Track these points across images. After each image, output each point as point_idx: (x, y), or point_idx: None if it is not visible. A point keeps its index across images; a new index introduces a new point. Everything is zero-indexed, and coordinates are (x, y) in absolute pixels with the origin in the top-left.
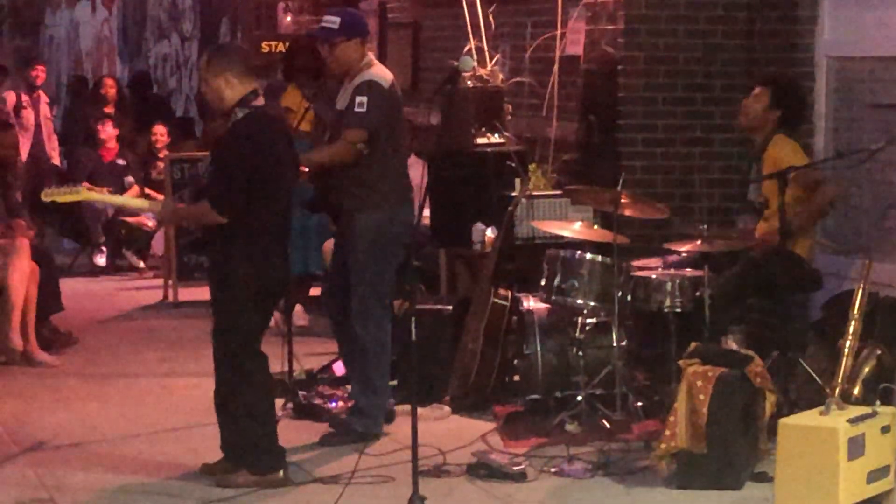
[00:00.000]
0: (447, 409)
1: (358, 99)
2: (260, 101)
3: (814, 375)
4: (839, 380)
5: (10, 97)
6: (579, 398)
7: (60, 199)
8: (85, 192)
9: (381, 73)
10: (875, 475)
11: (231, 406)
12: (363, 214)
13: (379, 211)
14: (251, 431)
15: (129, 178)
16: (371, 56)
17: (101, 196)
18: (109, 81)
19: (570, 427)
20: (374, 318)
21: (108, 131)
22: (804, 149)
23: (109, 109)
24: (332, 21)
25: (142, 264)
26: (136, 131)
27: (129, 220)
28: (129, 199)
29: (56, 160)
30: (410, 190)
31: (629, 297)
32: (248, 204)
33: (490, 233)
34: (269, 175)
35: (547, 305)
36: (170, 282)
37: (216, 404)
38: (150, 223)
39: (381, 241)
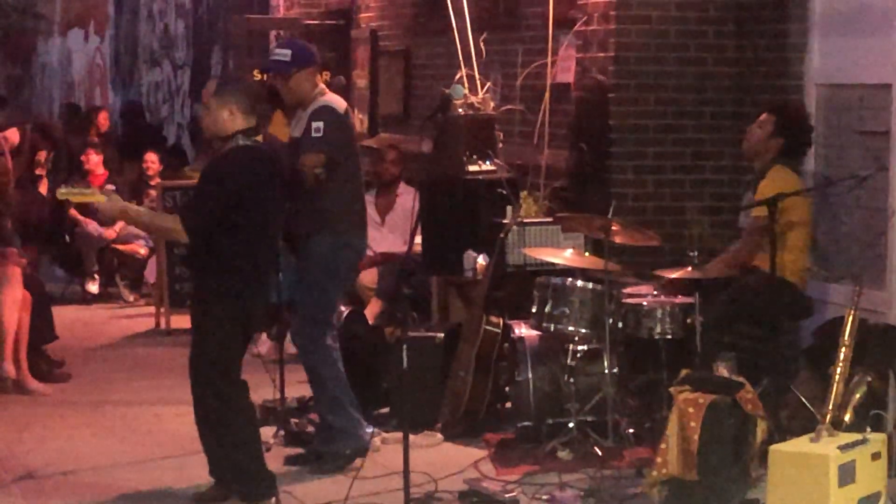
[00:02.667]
0: (439, 436)
1: (314, 125)
2: (258, 138)
3: (805, 402)
4: (830, 406)
5: (13, 136)
6: (571, 425)
7: (74, 198)
8: (97, 195)
9: (335, 101)
10: (866, 502)
11: (213, 432)
12: (315, 237)
13: (331, 235)
14: (237, 459)
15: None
16: (322, 85)
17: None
18: (104, 114)
19: (562, 454)
20: (312, 339)
21: (91, 160)
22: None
23: (94, 137)
24: (284, 53)
25: (132, 298)
26: (127, 159)
27: (122, 248)
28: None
29: (43, 189)
30: (364, 217)
31: (620, 324)
32: (228, 233)
33: (481, 260)
34: (252, 208)
35: (538, 332)
36: (162, 309)
37: (199, 431)
38: (143, 251)
39: (330, 265)
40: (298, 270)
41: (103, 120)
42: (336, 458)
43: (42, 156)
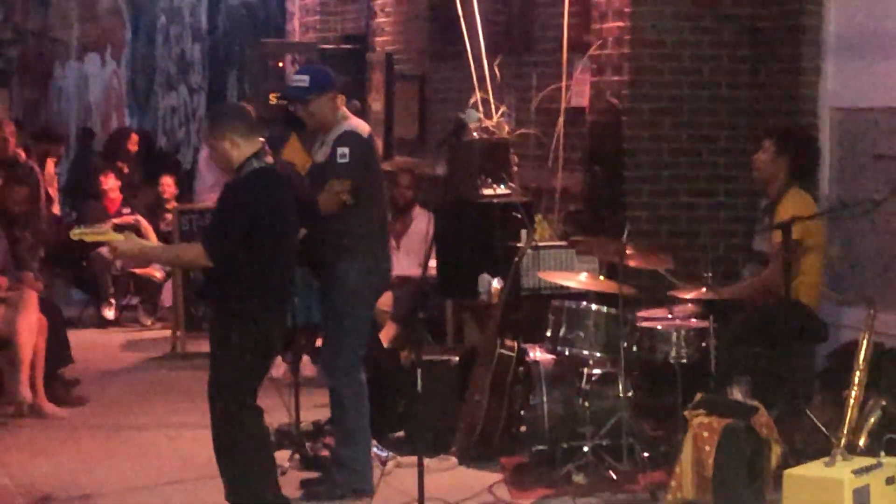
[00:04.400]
0: (454, 459)
1: (340, 150)
2: (269, 159)
3: (819, 426)
4: (844, 430)
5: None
6: (586, 449)
7: (88, 238)
8: (111, 234)
9: (359, 126)
10: None
11: (229, 457)
12: (342, 264)
13: (358, 261)
14: (252, 483)
15: (136, 218)
16: (345, 109)
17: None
18: (134, 138)
19: (577, 478)
20: (345, 369)
21: (109, 182)
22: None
23: (122, 163)
24: (302, 79)
25: (148, 322)
26: (142, 184)
27: (138, 272)
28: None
29: (56, 209)
30: (388, 241)
31: (635, 348)
32: (247, 258)
33: (496, 283)
34: (270, 232)
35: (553, 356)
36: (178, 333)
37: (216, 454)
38: (159, 275)
39: (359, 290)
40: (323, 297)
41: (132, 145)
42: (332, 488)
43: (51, 166)
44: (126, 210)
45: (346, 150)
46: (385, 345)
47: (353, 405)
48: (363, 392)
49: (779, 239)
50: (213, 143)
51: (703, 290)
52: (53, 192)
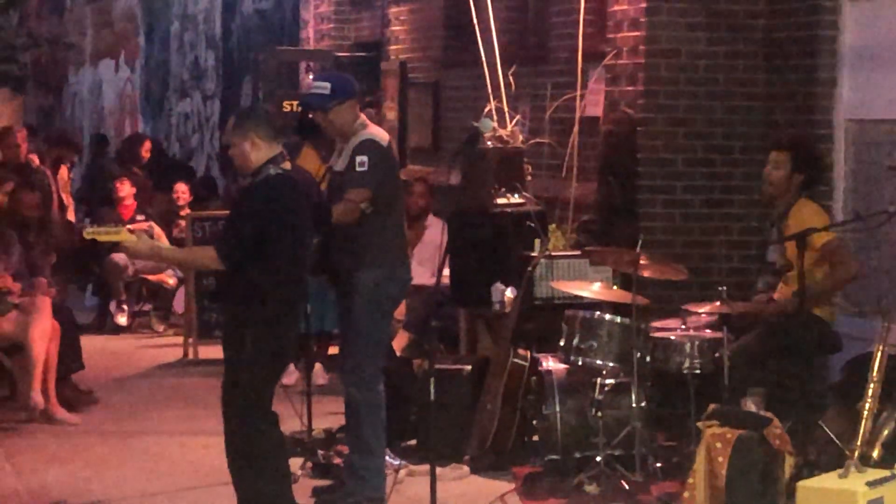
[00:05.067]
0: (466, 469)
1: (359, 159)
2: (287, 165)
3: (833, 438)
4: (858, 442)
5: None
6: (598, 459)
7: (101, 237)
8: (125, 234)
9: (379, 133)
10: None
11: (243, 464)
12: (362, 272)
13: (377, 269)
14: (266, 490)
15: (150, 224)
16: (364, 117)
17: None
18: (147, 144)
19: (589, 488)
20: (365, 378)
21: (125, 189)
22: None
23: (137, 169)
24: (323, 87)
25: (161, 328)
26: (155, 190)
27: (151, 278)
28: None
29: (71, 216)
30: (407, 248)
31: (648, 358)
32: (260, 263)
33: (510, 293)
34: (283, 238)
35: (566, 366)
36: (190, 339)
37: (228, 462)
38: (171, 281)
39: (378, 299)
40: (340, 306)
41: (145, 151)
42: (347, 496)
43: (65, 171)
44: (140, 217)
45: (364, 158)
46: (398, 353)
47: (369, 415)
48: (381, 402)
49: (829, 238)
50: (236, 141)
51: (718, 303)
52: (68, 198)
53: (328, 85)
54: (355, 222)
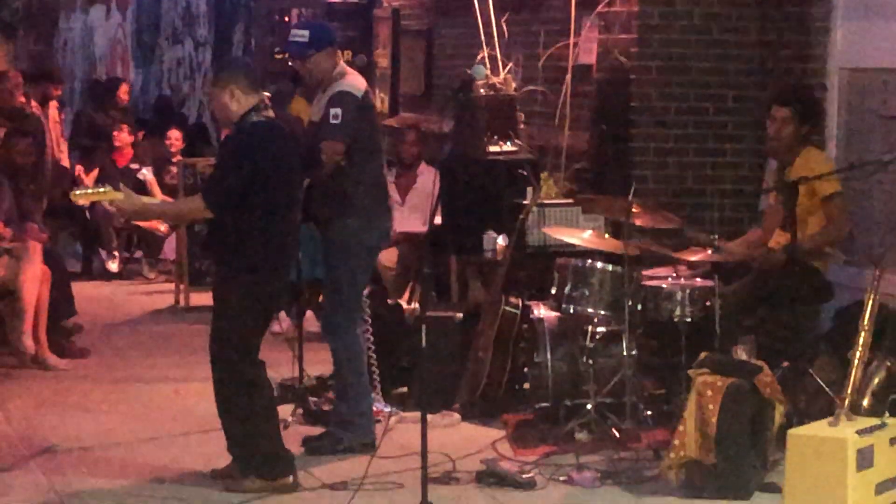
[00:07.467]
0: (457, 416)
1: (332, 111)
2: (270, 113)
3: (823, 386)
4: (849, 391)
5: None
6: (589, 407)
7: (87, 198)
8: (111, 193)
9: (355, 83)
10: (883, 486)
11: (232, 411)
12: (339, 221)
13: (355, 218)
14: (255, 437)
15: (144, 172)
16: (343, 65)
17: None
18: (124, 88)
19: (580, 436)
20: (342, 326)
21: (123, 138)
22: None
23: (115, 111)
24: (302, 35)
25: (152, 275)
26: (149, 136)
27: (142, 224)
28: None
29: (65, 162)
30: (387, 198)
31: (639, 307)
32: (248, 210)
33: (501, 241)
34: (270, 184)
35: (557, 314)
36: (181, 286)
37: (218, 408)
38: (163, 228)
39: (355, 248)
40: (323, 253)
41: (123, 94)
42: (333, 442)
43: (54, 110)
44: (135, 166)
45: (338, 110)
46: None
47: (349, 361)
48: (359, 348)
49: (834, 189)
50: (214, 92)
51: (709, 252)
52: (62, 141)
53: (307, 33)
54: (330, 173)
